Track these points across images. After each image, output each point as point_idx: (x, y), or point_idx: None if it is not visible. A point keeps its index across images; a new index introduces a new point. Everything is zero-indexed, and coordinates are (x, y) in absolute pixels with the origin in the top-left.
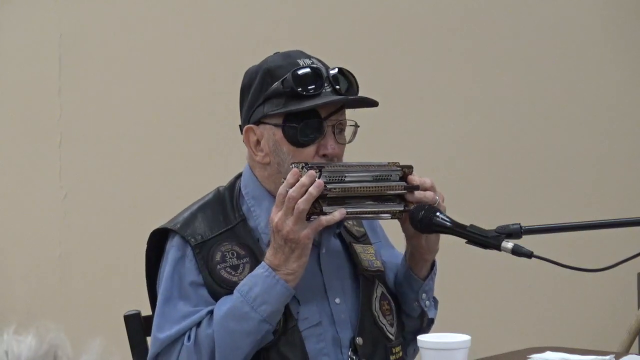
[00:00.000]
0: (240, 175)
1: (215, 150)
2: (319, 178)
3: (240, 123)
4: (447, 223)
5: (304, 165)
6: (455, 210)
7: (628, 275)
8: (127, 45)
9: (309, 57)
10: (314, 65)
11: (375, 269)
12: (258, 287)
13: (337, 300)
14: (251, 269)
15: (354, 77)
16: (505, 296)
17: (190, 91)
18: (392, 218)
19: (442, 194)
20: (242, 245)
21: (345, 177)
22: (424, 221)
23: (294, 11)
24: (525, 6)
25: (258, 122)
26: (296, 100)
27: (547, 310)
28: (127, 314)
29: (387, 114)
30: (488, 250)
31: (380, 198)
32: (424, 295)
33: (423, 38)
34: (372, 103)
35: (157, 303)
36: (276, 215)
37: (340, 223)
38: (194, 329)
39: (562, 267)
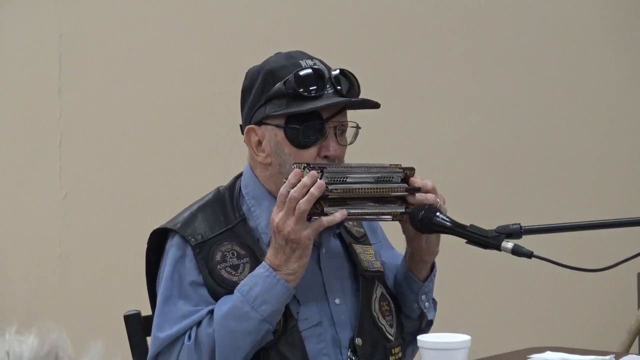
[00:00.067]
0: (240, 175)
1: (215, 150)
2: (320, 179)
3: (241, 123)
4: (447, 223)
5: (305, 165)
6: (455, 211)
7: (628, 275)
8: (127, 45)
9: (311, 57)
10: (316, 67)
11: (375, 269)
12: (258, 286)
13: (337, 301)
14: (251, 269)
15: (355, 78)
16: (505, 296)
17: (190, 91)
18: (393, 220)
19: (443, 195)
20: (243, 245)
21: (347, 178)
22: (424, 221)
23: (294, 11)
24: (525, 6)
25: (259, 123)
26: (298, 102)
27: (547, 310)
28: (127, 314)
29: (387, 114)
30: (488, 250)
31: (382, 200)
32: (423, 297)
33: (423, 38)
34: (374, 105)
35: (157, 302)
36: (277, 216)
37: (340, 223)
38: (194, 329)
39: (562, 267)
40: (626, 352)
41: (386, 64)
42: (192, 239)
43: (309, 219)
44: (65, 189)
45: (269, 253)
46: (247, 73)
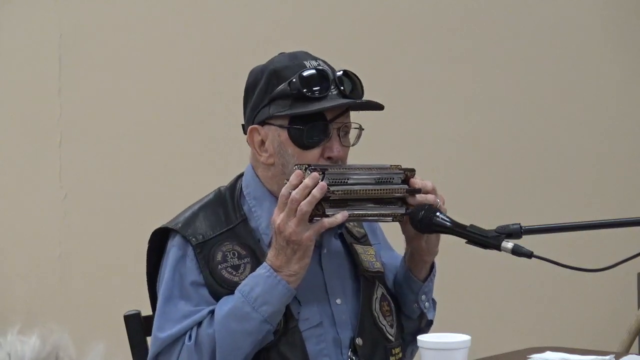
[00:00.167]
0: (241, 175)
1: (215, 150)
2: (322, 180)
3: (243, 122)
4: (447, 223)
5: (307, 167)
6: (455, 211)
7: (628, 275)
8: (127, 45)
9: (315, 58)
10: (320, 67)
11: (375, 270)
12: (259, 287)
13: (338, 301)
14: (252, 269)
15: (359, 79)
16: (505, 296)
17: (190, 91)
18: (393, 221)
19: (443, 196)
20: (243, 245)
21: (348, 179)
22: (424, 221)
23: (294, 11)
24: (525, 6)
25: (263, 123)
26: (302, 102)
27: (547, 310)
28: (127, 314)
29: (386, 114)
30: (488, 250)
31: (382, 201)
32: (423, 297)
33: (423, 38)
34: (378, 106)
35: (158, 302)
36: (278, 217)
37: (341, 224)
38: (194, 329)
39: (562, 267)
40: (626, 352)
41: (386, 64)
42: (193, 239)
43: (310, 220)
44: (65, 189)
45: (270, 254)
46: (250, 72)
